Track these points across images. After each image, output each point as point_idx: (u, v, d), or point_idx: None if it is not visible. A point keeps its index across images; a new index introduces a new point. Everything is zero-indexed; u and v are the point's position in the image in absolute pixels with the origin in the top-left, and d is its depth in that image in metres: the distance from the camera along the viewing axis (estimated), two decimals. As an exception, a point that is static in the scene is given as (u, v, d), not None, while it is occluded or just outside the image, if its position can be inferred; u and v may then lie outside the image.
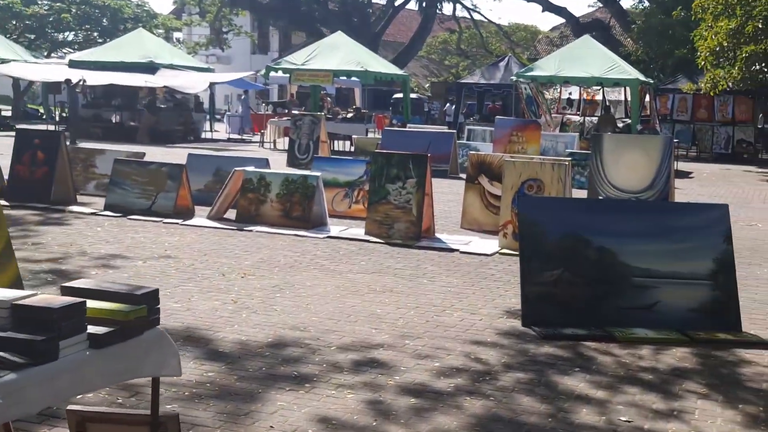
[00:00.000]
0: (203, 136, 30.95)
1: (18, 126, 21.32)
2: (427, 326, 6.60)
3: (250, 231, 10.74)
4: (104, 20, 46.54)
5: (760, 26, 20.88)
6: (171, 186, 11.74)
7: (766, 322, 7.10)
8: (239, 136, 31.75)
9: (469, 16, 56.00)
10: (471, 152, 11.85)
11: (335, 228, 11.11)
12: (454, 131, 20.65)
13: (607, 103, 26.76)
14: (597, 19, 48.57)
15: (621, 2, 45.52)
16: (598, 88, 26.68)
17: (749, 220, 13.81)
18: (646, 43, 31.41)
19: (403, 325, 6.61)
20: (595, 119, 27.19)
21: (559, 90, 27.21)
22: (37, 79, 32.19)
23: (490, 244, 10.27)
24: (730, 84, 23.54)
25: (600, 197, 10.78)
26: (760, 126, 31.12)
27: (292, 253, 9.44)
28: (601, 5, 50.09)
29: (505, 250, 9.91)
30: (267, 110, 35.15)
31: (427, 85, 59.84)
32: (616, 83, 23.42)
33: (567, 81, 23.62)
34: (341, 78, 28.67)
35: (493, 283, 8.27)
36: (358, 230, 10.92)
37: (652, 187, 10.93)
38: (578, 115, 27.40)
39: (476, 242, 10.46)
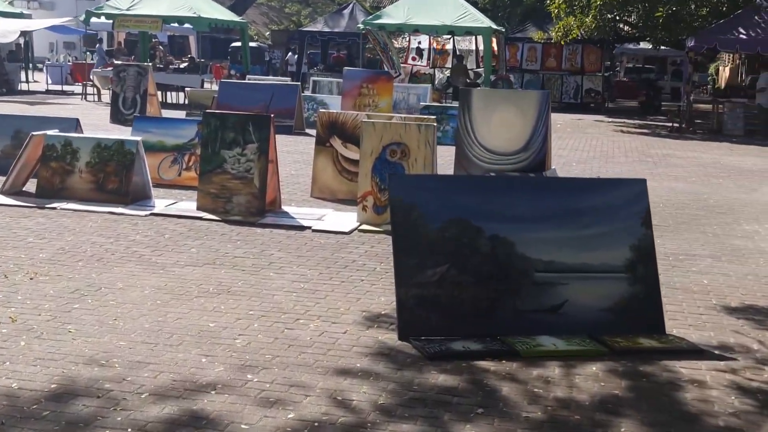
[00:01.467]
0: (19, 87, 27.89)
1: None
2: (276, 347, 4.99)
3: (54, 209, 8.74)
4: None
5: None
6: (-46, 154, 9.56)
7: (684, 316, 5.89)
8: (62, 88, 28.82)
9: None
10: (321, 110, 10.21)
11: (161, 202, 9.26)
12: (299, 83, 18.92)
13: (458, 53, 25.58)
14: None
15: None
16: (449, 36, 25.50)
17: (618, 176, 12.84)
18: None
19: (243, 347, 4.98)
20: (446, 69, 26.05)
21: (407, 39, 25.82)
22: None
23: (347, 219, 8.73)
24: (582, 32, 22.81)
25: (480, 167, 9.42)
26: (606, 75, 30.95)
27: (103, 239, 7.57)
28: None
29: (365, 227, 8.39)
30: (92, 59, 32.10)
31: (268, 33, 57.38)
32: (468, 31, 22.22)
33: (417, 29, 22.21)
34: (173, 25, 26.24)
35: (355, 274, 6.72)
36: (189, 204, 9.13)
37: (528, 148, 9.64)
38: (428, 65, 26.16)
39: (331, 216, 8.88)
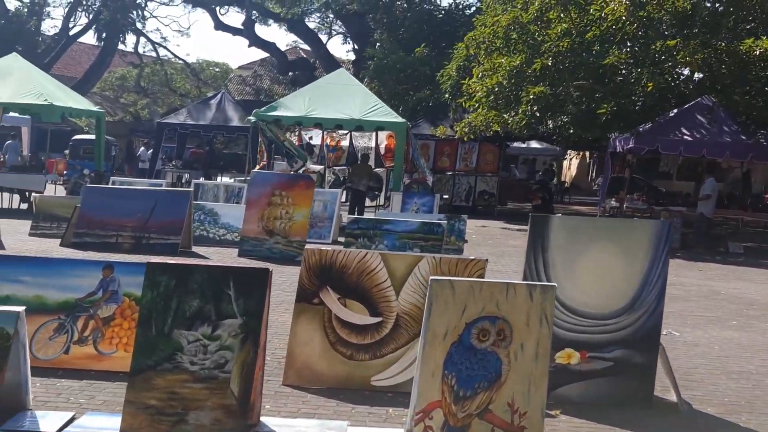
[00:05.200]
0: None
1: None
2: None
3: None
4: None
5: (549, 64, 17.51)
6: None
7: None
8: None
9: (153, 51, 50.00)
10: (308, 247, 6.52)
11: (49, 418, 5.30)
12: (190, 190, 15.03)
13: (357, 151, 22.40)
14: (303, 57, 44.76)
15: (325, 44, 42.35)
16: (345, 132, 22.30)
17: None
18: (383, 82, 27.61)
19: None
20: (339, 169, 22.81)
21: (297, 133, 22.40)
22: None
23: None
24: (501, 128, 20.20)
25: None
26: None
27: None
28: (300, 44, 46.76)
29: (443, 471, 4.76)
30: None
31: (104, 125, 52.77)
32: (380, 127, 19.06)
33: (319, 123, 18.83)
34: (8, 115, 21.72)
35: None
36: (101, 420, 5.22)
37: (634, 307, 6.34)
38: (319, 164, 22.82)
39: (363, 442, 5.19)
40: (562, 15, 18.36)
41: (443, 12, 33.67)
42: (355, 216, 13.91)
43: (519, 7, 19.10)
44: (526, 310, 4.95)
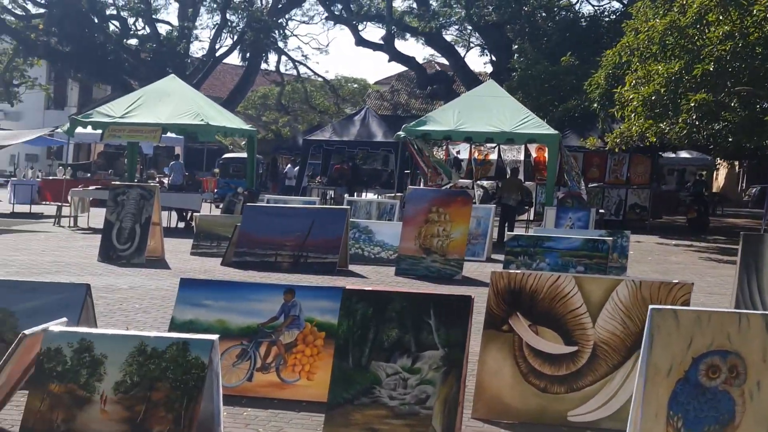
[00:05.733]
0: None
1: None
2: None
3: (55, 486, 4.58)
4: None
5: (711, 69, 16.60)
6: None
7: None
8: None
9: (294, 68, 50.85)
10: (496, 271, 6.18)
11: (245, 450, 5.16)
12: (347, 207, 14.95)
13: (505, 164, 21.96)
14: (441, 71, 44.61)
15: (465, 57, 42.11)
16: (493, 145, 21.87)
17: None
18: (526, 93, 27.03)
19: None
20: (487, 183, 22.39)
21: (444, 148, 22.12)
22: None
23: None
24: (658, 139, 19.35)
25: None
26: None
27: None
28: (436, 58, 46.69)
29: None
30: (65, 175, 27.52)
31: (243, 143, 54.09)
32: (532, 139, 18.56)
33: (469, 137, 18.48)
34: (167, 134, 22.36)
35: None
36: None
37: None
38: (466, 178, 22.44)
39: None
40: (721, 17, 17.42)
41: (587, 19, 32.84)
42: (515, 233, 13.47)
43: (676, 10, 18.24)
44: (762, 344, 4.45)
